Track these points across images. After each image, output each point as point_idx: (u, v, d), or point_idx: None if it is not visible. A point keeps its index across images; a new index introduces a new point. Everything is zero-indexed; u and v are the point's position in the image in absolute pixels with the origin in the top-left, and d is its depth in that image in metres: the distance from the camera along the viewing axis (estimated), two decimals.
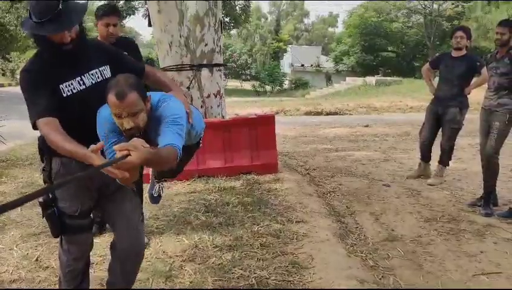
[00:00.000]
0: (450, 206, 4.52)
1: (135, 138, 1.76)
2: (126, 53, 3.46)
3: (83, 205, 2.24)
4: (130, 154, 1.65)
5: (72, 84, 2.09)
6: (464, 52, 5.12)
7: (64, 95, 2.07)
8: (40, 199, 2.21)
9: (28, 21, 1.97)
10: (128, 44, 3.68)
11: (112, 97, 1.90)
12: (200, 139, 2.67)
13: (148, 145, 1.76)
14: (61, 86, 2.06)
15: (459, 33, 5.10)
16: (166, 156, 1.89)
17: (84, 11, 2.12)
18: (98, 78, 2.16)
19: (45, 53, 2.09)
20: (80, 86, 2.11)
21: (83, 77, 2.12)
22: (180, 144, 1.96)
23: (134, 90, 1.92)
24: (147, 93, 2.05)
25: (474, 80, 5.18)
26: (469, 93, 5.15)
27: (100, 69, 2.18)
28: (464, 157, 6.83)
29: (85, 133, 2.02)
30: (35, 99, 2.02)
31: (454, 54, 5.16)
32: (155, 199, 3.00)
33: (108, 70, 2.21)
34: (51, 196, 2.22)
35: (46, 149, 2.17)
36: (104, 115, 2.04)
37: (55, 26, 1.94)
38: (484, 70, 4.78)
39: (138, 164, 1.71)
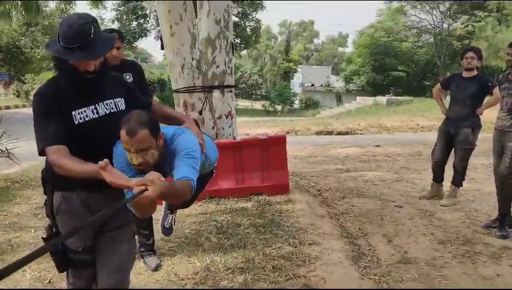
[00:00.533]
0: (464, 228, 4.46)
1: (152, 172, 1.79)
2: (131, 74, 3.49)
3: (86, 241, 2.20)
4: (147, 189, 1.69)
5: (85, 111, 2.06)
6: (475, 72, 5.11)
7: (76, 122, 2.03)
8: (43, 235, 2.21)
9: (56, 44, 1.95)
10: (133, 67, 3.70)
11: (122, 133, 1.94)
12: (213, 168, 2.70)
13: (164, 179, 1.79)
14: (74, 112, 2.03)
15: (470, 54, 5.10)
16: (181, 189, 1.92)
17: (113, 43, 2.12)
18: (112, 108, 2.14)
19: (64, 79, 2.06)
20: (94, 114, 2.08)
21: (97, 105, 2.09)
22: (194, 177, 1.99)
23: (145, 127, 1.94)
24: (161, 128, 2.09)
25: (486, 99, 5.16)
26: (481, 114, 5.12)
27: (115, 100, 2.17)
28: (478, 177, 6.75)
29: (94, 162, 1.95)
30: (45, 126, 1.98)
31: (465, 74, 5.16)
32: (167, 231, 3.05)
33: (123, 103, 2.21)
34: (54, 230, 2.21)
35: (49, 181, 2.16)
36: (121, 149, 2.07)
37: (84, 54, 1.93)
38: (496, 90, 4.77)
39: (155, 198, 1.74)
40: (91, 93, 2.09)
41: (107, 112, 2.12)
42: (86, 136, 2.04)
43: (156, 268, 3.44)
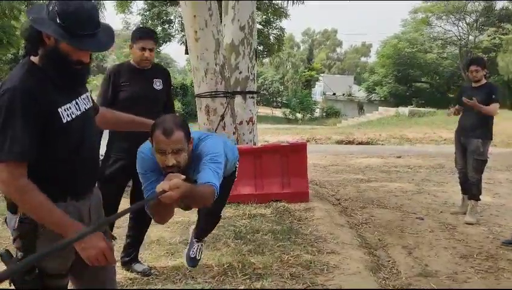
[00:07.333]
0: (487, 243, 4.36)
1: (170, 174, 1.82)
2: (161, 81, 3.37)
3: (69, 261, 1.83)
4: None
5: (70, 108, 1.76)
6: (483, 81, 5.13)
7: (64, 120, 1.72)
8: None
9: (50, 23, 1.63)
10: (165, 73, 3.53)
11: (159, 133, 1.95)
12: (235, 169, 2.70)
13: (184, 177, 1.82)
14: (60, 109, 1.71)
15: (473, 67, 5.11)
16: (203, 193, 1.94)
17: (114, 34, 1.86)
18: (87, 104, 1.88)
19: (52, 68, 1.71)
20: (77, 110, 1.80)
21: (77, 100, 1.82)
22: (217, 183, 2.01)
23: (180, 129, 1.97)
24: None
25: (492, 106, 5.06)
26: (474, 104, 4.93)
27: (87, 94, 1.92)
28: (502, 192, 6.61)
29: (80, 165, 1.81)
30: (18, 133, 1.60)
31: (474, 84, 5.19)
32: (192, 261, 3.04)
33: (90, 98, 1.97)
34: (20, 255, 1.75)
35: None
36: (146, 153, 2.10)
37: (95, 44, 1.70)
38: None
39: (177, 198, 1.74)
40: (76, 86, 1.84)
41: (86, 107, 1.87)
42: (73, 137, 1.77)
43: (146, 272, 3.35)
